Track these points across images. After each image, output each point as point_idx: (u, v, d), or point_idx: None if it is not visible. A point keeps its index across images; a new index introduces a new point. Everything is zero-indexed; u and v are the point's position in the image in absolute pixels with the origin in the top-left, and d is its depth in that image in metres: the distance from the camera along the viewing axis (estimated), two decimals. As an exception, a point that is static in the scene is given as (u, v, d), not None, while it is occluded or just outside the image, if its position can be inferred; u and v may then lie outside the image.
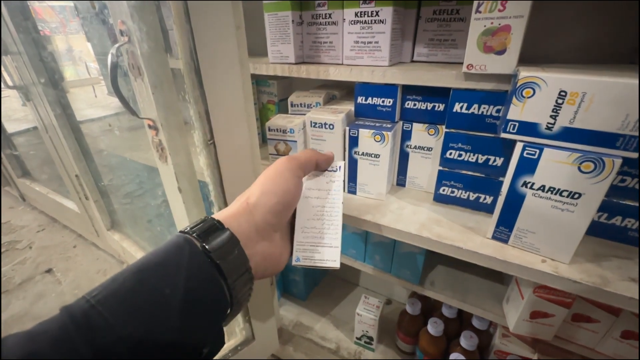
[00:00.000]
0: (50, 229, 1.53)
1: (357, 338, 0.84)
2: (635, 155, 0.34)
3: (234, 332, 0.75)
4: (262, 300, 0.70)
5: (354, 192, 0.61)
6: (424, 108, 0.54)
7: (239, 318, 0.70)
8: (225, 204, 0.52)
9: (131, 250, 1.13)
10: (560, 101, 0.36)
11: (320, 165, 0.42)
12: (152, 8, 0.38)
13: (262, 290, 0.69)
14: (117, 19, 0.41)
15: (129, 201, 1.22)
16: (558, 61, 0.53)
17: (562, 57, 0.53)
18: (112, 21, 0.41)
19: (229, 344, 0.71)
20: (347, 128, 0.55)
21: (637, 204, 0.43)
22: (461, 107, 0.48)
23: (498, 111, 0.46)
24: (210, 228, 0.27)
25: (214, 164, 0.48)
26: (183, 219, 0.60)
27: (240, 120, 0.48)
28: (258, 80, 0.79)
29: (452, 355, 0.64)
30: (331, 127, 0.55)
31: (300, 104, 0.65)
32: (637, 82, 0.32)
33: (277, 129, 0.56)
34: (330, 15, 0.55)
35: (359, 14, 0.52)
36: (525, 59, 0.54)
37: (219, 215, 0.30)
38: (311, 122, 0.56)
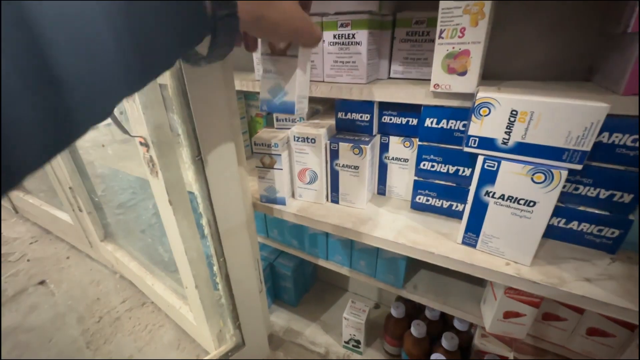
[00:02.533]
0: (43, 240, 1.54)
1: (345, 342, 0.86)
2: (579, 167, 0.38)
3: (225, 338, 0.77)
4: (251, 307, 0.72)
5: (337, 202, 0.64)
6: (399, 122, 0.58)
7: (229, 325, 0.73)
8: (214, 216, 0.55)
9: (124, 260, 1.14)
10: (512, 119, 0.40)
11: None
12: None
13: (251, 298, 0.72)
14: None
15: (122, 212, 1.24)
16: (521, 78, 0.57)
17: (525, 74, 0.57)
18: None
19: (219, 350, 0.73)
20: (328, 142, 0.58)
21: (590, 210, 0.47)
22: (432, 122, 0.52)
23: (464, 126, 0.50)
24: None
25: (202, 179, 0.51)
26: (174, 230, 0.63)
27: (226, 137, 0.52)
28: (247, 94, 0.83)
29: (434, 356, 0.67)
30: (313, 141, 0.58)
31: (285, 119, 0.69)
32: (576, 102, 0.36)
33: (262, 143, 0.59)
34: (311, 36, 0.59)
35: (337, 36, 0.56)
36: (492, 76, 0.58)
37: None
38: (294, 136, 0.59)
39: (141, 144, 0.52)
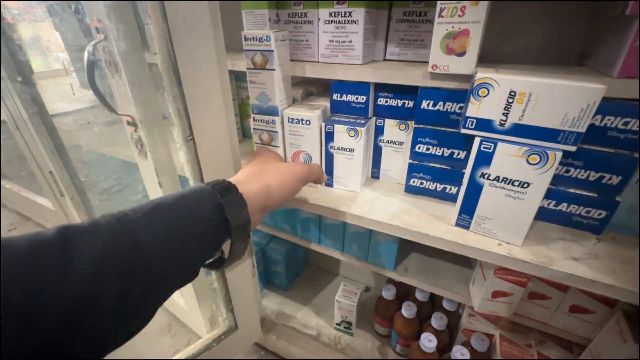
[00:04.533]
0: (22, 227, 1.48)
1: (337, 324, 0.88)
2: (573, 148, 0.39)
3: (218, 322, 0.77)
4: (244, 291, 0.72)
5: (331, 185, 0.64)
6: (395, 105, 0.58)
7: (222, 309, 0.73)
8: (206, 198, 0.54)
9: (111, 246, 1.11)
10: (510, 100, 0.40)
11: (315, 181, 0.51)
12: (128, 8, 0.39)
13: (244, 282, 0.71)
14: (93, 17, 0.41)
15: (107, 197, 1.20)
16: (515, 62, 0.57)
17: (518, 58, 0.57)
18: (88, 21, 0.41)
19: (212, 334, 0.73)
20: (323, 124, 0.58)
21: (580, 192, 0.48)
22: (428, 104, 0.52)
23: (461, 108, 0.50)
24: (228, 189, 0.34)
25: (194, 160, 0.50)
26: (164, 214, 0.61)
27: (219, 116, 0.50)
28: (237, 76, 0.80)
29: (423, 335, 0.69)
30: (308, 122, 0.57)
31: (279, 100, 0.67)
32: (574, 84, 0.36)
33: (261, 119, 0.59)
34: (305, 14, 0.57)
35: (333, 14, 0.55)
36: (489, 59, 0.58)
37: (236, 182, 0.36)
38: (289, 118, 0.58)
39: (128, 123, 0.50)
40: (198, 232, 0.30)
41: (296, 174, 0.44)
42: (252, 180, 0.39)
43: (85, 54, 0.42)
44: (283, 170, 0.43)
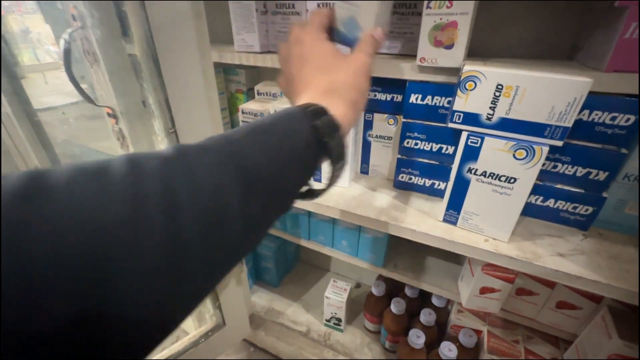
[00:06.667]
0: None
1: (326, 320, 0.87)
2: (559, 143, 0.38)
3: (204, 318, 0.76)
4: (231, 287, 0.71)
5: (319, 180, 0.63)
6: (384, 99, 0.57)
7: (209, 305, 0.72)
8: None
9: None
10: (497, 94, 0.39)
11: None
12: (104, -6, 0.38)
13: (230, 278, 0.70)
14: (69, 4, 0.40)
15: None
16: (509, 55, 0.56)
17: (508, 52, 0.57)
18: (60, 6, 0.40)
19: (199, 330, 0.72)
20: (311, 117, 0.56)
21: (567, 188, 0.47)
22: (416, 98, 0.51)
23: (449, 102, 0.49)
24: (320, 112, 0.31)
25: (177, 153, 0.48)
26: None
27: (202, 108, 0.49)
28: (226, 69, 0.79)
29: (412, 331, 0.69)
30: (295, 116, 0.56)
31: (266, 93, 0.66)
32: (561, 77, 0.36)
33: (249, 112, 0.58)
34: (293, 5, 0.56)
35: (321, 6, 0.53)
36: (480, 53, 0.58)
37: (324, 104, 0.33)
38: (275, 111, 0.57)
39: (109, 115, 0.49)
40: (297, 154, 0.29)
41: (368, 71, 0.37)
42: (336, 98, 0.34)
43: (61, 42, 0.40)
44: (359, 75, 0.36)
